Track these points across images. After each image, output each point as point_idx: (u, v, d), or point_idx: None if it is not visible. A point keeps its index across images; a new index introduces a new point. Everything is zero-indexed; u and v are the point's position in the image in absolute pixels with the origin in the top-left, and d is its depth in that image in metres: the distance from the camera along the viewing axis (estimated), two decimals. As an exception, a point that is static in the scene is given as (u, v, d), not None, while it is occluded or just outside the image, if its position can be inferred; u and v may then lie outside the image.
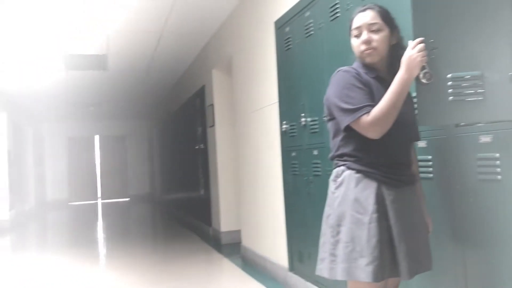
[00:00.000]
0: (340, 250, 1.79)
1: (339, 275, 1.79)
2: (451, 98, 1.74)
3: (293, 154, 3.65)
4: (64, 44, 6.17)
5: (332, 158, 1.95)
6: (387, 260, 1.77)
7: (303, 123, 3.40)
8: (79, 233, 8.93)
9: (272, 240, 4.31)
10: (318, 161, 3.23)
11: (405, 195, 1.86)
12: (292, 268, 3.81)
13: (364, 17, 1.88)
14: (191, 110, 7.79)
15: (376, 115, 1.73)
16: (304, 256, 3.55)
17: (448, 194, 2.04)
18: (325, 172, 3.12)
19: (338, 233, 1.81)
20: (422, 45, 1.72)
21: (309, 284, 3.48)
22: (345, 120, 1.80)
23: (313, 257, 3.37)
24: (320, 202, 3.16)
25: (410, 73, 1.72)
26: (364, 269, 1.73)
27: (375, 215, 1.77)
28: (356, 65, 1.93)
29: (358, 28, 1.89)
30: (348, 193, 1.82)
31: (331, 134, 1.95)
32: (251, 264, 4.90)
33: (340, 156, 1.90)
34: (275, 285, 4.03)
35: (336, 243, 1.81)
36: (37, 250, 7.28)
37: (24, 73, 7.83)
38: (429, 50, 1.73)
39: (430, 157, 2.14)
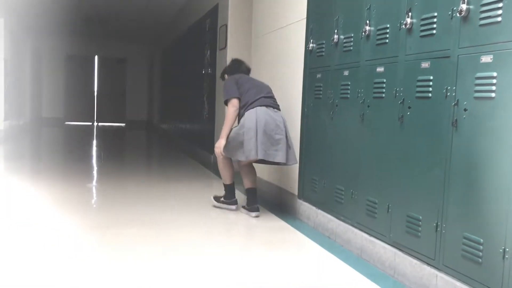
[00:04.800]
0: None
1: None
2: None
3: (318, 76, 3.39)
4: None
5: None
6: None
7: (335, 40, 3.12)
8: (74, 149, 8.77)
9: (280, 168, 4.11)
10: (348, 83, 2.98)
11: None
12: (302, 195, 3.65)
13: None
14: (200, 32, 7.40)
15: None
16: (317, 184, 3.38)
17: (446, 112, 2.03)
18: (354, 94, 2.88)
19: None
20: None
21: (320, 211, 3.33)
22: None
23: (327, 185, 3.20)
24: (345, 125, 2.95)
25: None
26: None
27: None
28: None
29: None
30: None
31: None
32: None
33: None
34: (282, 211, 3.89)
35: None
36: (29, 161, 7.12)
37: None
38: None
39: (431, 77, 2.19)
